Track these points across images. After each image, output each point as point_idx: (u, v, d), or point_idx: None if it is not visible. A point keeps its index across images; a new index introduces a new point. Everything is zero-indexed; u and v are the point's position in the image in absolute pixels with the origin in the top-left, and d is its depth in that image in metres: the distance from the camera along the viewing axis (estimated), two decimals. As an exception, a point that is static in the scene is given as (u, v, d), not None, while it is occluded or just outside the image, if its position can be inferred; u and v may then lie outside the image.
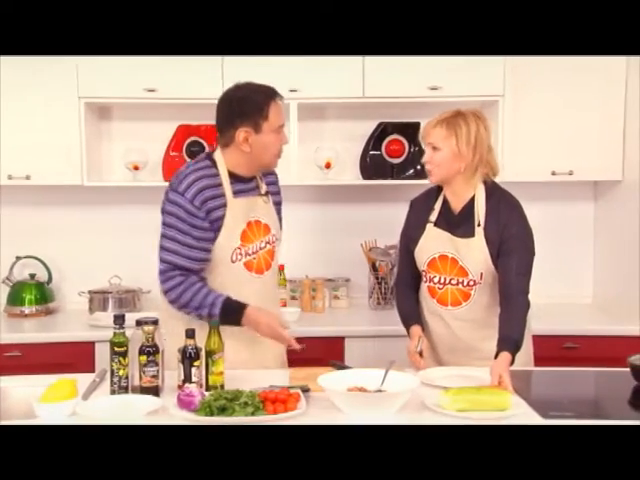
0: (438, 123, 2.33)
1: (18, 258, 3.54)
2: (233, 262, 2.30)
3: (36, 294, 3.47)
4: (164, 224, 2.27)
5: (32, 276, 3.52)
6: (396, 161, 3.51)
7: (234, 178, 2.32)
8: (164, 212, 2.28)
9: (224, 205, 2.28)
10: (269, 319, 2.26)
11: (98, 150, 3.51)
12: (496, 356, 2.16)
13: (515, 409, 1.94)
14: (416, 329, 2.39)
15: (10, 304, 3.48)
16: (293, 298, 3.56)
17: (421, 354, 2.32)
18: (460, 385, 2.06)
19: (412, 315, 2.46)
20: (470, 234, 2.34)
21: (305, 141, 3.43)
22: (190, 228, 2.23)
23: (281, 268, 3.53)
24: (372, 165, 3.52)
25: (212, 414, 1.85)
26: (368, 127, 3.54)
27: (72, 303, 3.55)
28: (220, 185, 2.28)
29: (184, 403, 1.91)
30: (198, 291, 2.25)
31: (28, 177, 3.28)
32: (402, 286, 2.54)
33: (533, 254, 2.35)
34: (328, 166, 3.46)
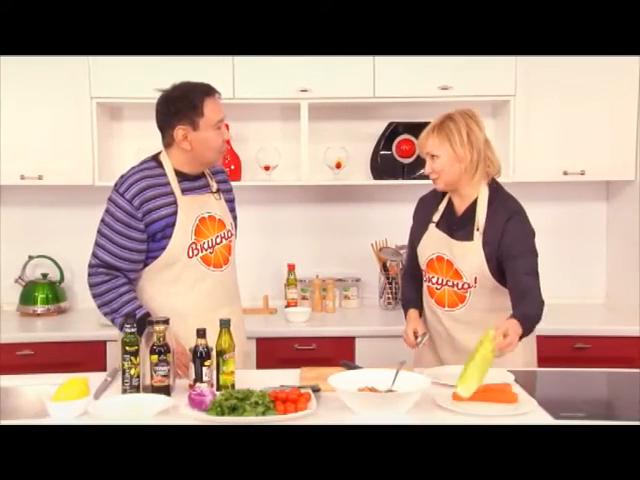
0: (429, 132, 2.36)
1: (30, 258, 3.57)
2: (190, 257, 2.35)
3: (48, 293, 3.49)
4: (102, 221, 2.35)
5: (44, 276, 3.55)
6: (407, 161, 3.50)
7: (181, 177, 2.37)
8: (105, 210, 2.35)
9: (173, 203, 2.33)
10: (181, 349, 2.25)
11: (110, 150, 3.53)
12: None
13: (525, 407, 1.95)
14: (412, 312, 2.48)
15: (22, 303, 3.50)
16: (304, 298, 3.57)
17: (415, 334, 2.41)
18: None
19: (411, 299, 2.53)
20: (469, 238, 2.34)
21: (315, 141, 3.43)
22: (125, 229, 2.29)
23: (291, 268, 3.54)
24: (383, 165, 3.52)
25: (223, 414, 1.86)
26: (378, 127, 3.54)
27: (84, 302, 3.55)
28: (167, 184, 2.34)
29: (195, 403, 1.91)
30: (120, 296, 2.32)
31: (40, 177, 3.30)
32: (407, 277, 2.62)
33: (536, 255, 2.32)
34: (338, 166, 3.46)
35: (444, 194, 2.45)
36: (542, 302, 2.26)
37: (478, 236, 2.32)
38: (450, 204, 2.43)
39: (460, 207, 2.40)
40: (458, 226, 2.38)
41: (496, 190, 2.38)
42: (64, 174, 3.31)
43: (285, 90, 3.30)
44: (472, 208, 2.37)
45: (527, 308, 2.21)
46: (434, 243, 2.41)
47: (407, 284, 2.61)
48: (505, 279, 2.31)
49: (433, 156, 2.34)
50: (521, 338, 2.15)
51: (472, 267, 2.33)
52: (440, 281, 2.39)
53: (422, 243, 2.45)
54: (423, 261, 2.44)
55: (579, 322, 3.26)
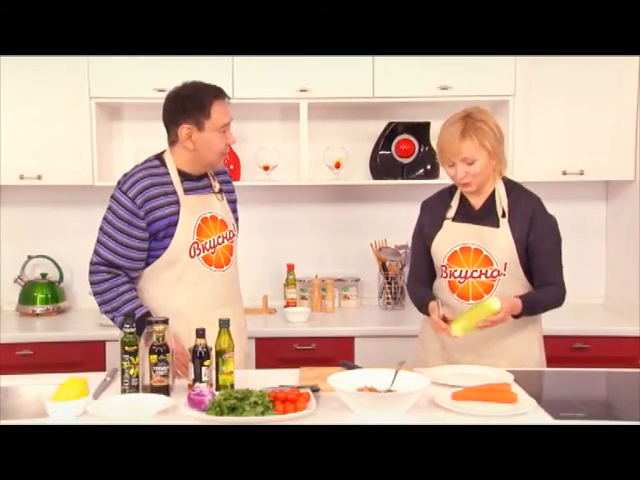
0: (464, 136, 2.27)
1: (30, 257, 3.57)
2: (192, 257, 2.35)
3: (47, 293, 3.49)
4: (104, 219, 2.35)
5: (43, 275, 3.54)
6: (406, 161, 3.50)
7: (184, 176, 2.37)
8: (107, 208, 2.35)
9: (176, 202, 2.33)
10: (180, 349, 2.26)
11: (109, 150, 3.53)
12: None
13: (525, 407, 1.95)
14: (434, 303, 2.35)
15: (22, 303, 3.50)
16: (303, 298, 3.56)
17: (445, 320, 2.28)
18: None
19: (427, 295, 2.43)
20: (495, 225, 2.35)
21: (315, 141, 3.43)
22: (128, 227, 2.30)
23: (291, 268, 3.54)
24: (382, 165, 3.51)
25: (222, 414, 1.86)
26: (378, 127, 3.54)
27: (83, 302, 3.56)
28: (170, 183, 2.34)
29: (194, 402, 1.91)
30: (120, 295, 2.32)
31: (39, 177, 3.30)
32: (414, 282, 2.54)
33: (560, 240, 2.41)
34: (338, 166, 3.46)
35: (452, 193, 2.45)
36: (563, 294, 2.39)
37: (504, 223, 2.34)
38: (464, 200, 2.41)
39: (477, 202, 2.40)
40: (480, 218, 2.38)
41: (510, 182, 2.42)
42: (63, 174, 3.31)
43: (285, 90, 3.30)
44: (490, 200, 2.38)
45: (539, 294, 2.35)
46: (456, 235, 2.38)
47: (417, 287, 2.52)
48: (529, 269, 2.37)
49: (470, 161, 2.28)
50: (519, 316, 2.32)
51: (503, 252, 2.33)
52: (464, 274, 2.36)
53: (438, 240, 2.41)
54: (443, 256, 2.39)
55: (578, 322, 3.26)
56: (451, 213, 2.42)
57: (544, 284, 2.36)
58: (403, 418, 1.89)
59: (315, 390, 2.05)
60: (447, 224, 2.41)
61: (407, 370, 2.10)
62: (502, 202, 2.36)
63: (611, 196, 3.63)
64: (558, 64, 3.23)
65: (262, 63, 3.22)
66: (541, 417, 1.91)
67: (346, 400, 1.94)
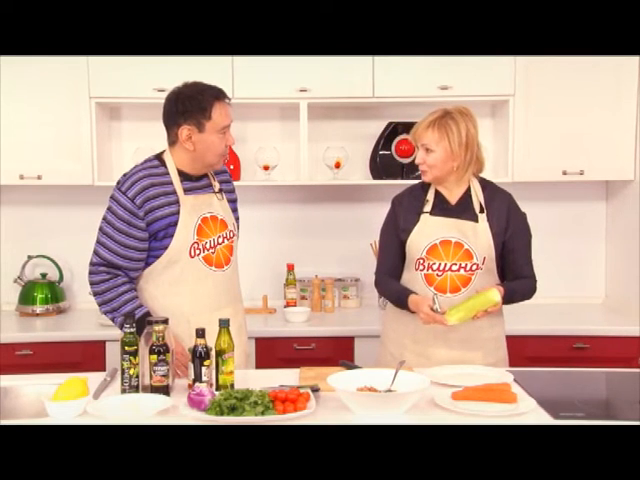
0: (429, 125, 2.38)
1: (29, 257, 3.57)
2: (192, 257, 2.35)
3: (47, 293, 3.49)
4: (103, 219, 2.34)
5: (43, 275, 3.54)
6: (406, 161, 3.50)
7: (184, 176, 2.37)
8: (107, 208, 2.34)
9: (175, 202, 2.33)
10: (180, 349, 2.27)
11: (109, 150, 3.53)
12: None
13: (524, 406, 1.95)
14: (415, 296, 2.35)
15: (22, 303, 3.50)
16: (303, 298, 3.57)
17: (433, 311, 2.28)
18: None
19: (405, 289, 2.41)
20: (474, 219, 2.41)
21: (315, 141, 3.44)
22: (127, 227, 2.29)
23: (290, 268, 3.54)
24: (382, 165, 3.52)
25: (222, 414, 1.86)
26: (378, 127, 3.54)
27: (83, 302, 3.57)
28: (170, 183, 2.34)
29: (194, 402, 1.91)
30: (120, 295, 2.32)
31: (39, 177, 3.30)
32: (384, 275, 2.51)
33: (531, 235, 2.49)
34: (338, 166, 3.46)
35: (426, 188, 2.48)
36: (535, 287, 2.45)
37: (483, 218, 2.40)
38: (439, 195, 2.46)
39: (452, 197, 2.45)
40: (458, 213, 2.42)
41: (483, 179, 2.49)
42: (63, 174, 3.31)
43: (284, 90, 3.30)
44: (466, 196, 2.44)
45: (517, 285, 2.41)
46: (435, 229, 2.41)
47: (390, 282, 2.49)
48: (501, 264, 2.44)
49: (428, 149, 2.38)
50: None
51: (483, 247, 2.39)
52: (443, 267, 2.39)
53: (416, 233, 2.43)
54: (422, 249, 2.41)
55: (578, 322, 3.26)
56: (428, 207, 2.45)
57: (518, 277, 2.43)
58: (403, 418, 1.89)
59: (315, 390, 2.05)
60: (425, 217, 2.44)
61: (407, 370, 2.10)
62: (478, 198, 2.43)
63: (611, 196, 3.63)
64: (558, 64, 3.23)
65: (262, 63, 3.22)
66: (541, 417, 1.91)
67: (346, 400, 1.94)
